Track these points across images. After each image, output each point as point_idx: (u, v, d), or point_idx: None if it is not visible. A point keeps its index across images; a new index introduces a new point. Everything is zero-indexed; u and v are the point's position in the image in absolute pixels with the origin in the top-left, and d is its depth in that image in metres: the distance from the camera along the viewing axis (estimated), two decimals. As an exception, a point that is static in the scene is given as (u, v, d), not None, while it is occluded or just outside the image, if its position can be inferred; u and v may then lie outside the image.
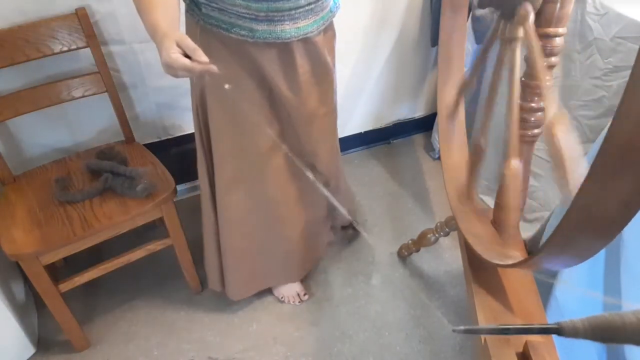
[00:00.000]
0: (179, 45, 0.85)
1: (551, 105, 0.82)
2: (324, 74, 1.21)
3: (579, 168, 0.73)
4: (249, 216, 1.36)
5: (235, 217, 1.35)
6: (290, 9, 1.01)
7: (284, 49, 1.10)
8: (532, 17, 0.86)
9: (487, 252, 1.07)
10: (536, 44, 0.86)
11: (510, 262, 0.96)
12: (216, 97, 1.17)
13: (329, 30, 1.18)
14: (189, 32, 1.11)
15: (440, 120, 1.35)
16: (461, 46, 1.31)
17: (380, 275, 1.66)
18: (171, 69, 0.86)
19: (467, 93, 1.36)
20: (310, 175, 1.26)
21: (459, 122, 1.33)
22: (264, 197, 1.33)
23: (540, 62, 0.86)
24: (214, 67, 0.86)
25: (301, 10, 1.03)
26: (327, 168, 1.40)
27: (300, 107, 1.21)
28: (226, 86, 0.98)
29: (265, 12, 1.00)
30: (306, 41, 1.11)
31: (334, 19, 1.17)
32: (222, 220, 1.35)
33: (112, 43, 1.46)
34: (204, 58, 0.84)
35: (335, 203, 1.35)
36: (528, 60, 0.93)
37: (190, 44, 0.85)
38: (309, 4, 1.03)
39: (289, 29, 1.04)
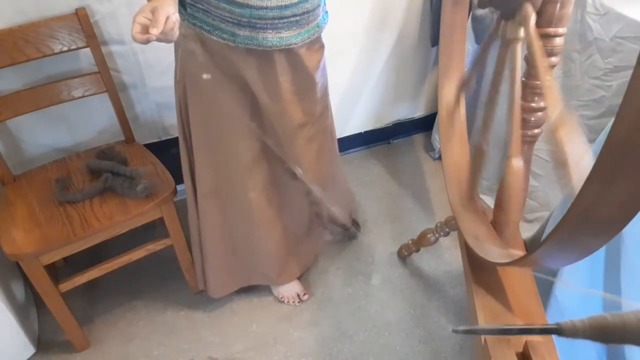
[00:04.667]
0: (152, 13, 0.83)
1: (555, 105, 0.82)
2: (307, 85, 1.20)
3: (581, 167, 0.73)
4: (226, 222, 1.37)
5: (212, 222, 1.36)
6: (273, 18, 1.00)
7: (265, 56, 1.09)
8: (533, 18, 0.86)
9: (486, 251, 1.07)
10: (538, 45, 0.86)
11: (509, 260, 0.96)
12: (197, 104, 1.17)
13: (315, 44, 1.16)
14: None
15: (441, 119, 1.34)
16: (462, 43, 1.30)
17: (380, 275, 1.66)
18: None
19: (467, 92, 1.35)
20: (299, 169, 1.25)
21: (460, 122, 1.33)
22: (242, 206, 1.34)
23: (542, 63, 0.86)
24: (152, 37, 0.82)
25: (285, 21, 1.02)
26: (312, 176, 1.36)
27: (281, 115, 1.20)
28: (204, 76, 0.97)
29: (248, 18, 0.99)
30: (289, 51, 1.10)
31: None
32: (201, 222, 1.37)
33: (112, 43, 1.45)
34: (153, 31, 0.81)
35: (330, 205, 1.34)
36: (529, 61, 0.93)
37: (158, 18, 0.82)
38: (294, 15, 1.02)
39: (271, 38, 1.03)
